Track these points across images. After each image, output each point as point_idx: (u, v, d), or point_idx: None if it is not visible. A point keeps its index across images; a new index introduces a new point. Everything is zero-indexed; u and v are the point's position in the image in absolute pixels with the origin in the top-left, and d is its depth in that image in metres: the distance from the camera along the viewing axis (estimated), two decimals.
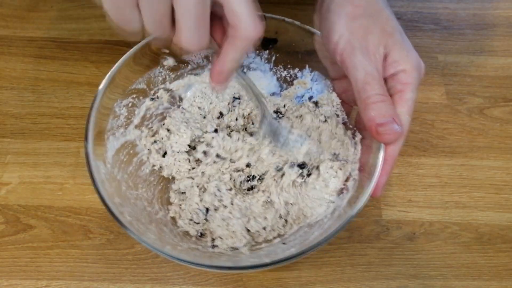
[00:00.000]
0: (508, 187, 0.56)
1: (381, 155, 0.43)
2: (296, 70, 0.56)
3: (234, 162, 0.51)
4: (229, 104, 0.55)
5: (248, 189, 0.51)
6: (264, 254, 0.47)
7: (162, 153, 0.52)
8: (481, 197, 0.55)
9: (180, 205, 0.50)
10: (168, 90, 0.54)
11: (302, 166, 0.50)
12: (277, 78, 0.57)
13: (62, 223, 0.52)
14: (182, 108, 0.55)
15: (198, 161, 0.52)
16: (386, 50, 0.43)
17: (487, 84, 0.64)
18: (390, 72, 0.43)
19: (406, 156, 0.58)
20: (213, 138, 0.51)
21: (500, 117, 0.61)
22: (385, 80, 0.44)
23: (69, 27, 0.67)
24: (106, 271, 0.50)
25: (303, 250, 0.41)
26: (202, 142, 0.52)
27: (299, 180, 0.49)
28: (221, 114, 0.55)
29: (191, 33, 0.35)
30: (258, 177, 0.51)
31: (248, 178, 0.51)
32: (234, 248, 0.47)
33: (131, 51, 0.49)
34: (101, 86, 0.46)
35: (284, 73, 0.57)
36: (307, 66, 0.55)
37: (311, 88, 0.55)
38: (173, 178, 0.52)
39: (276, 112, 0.53)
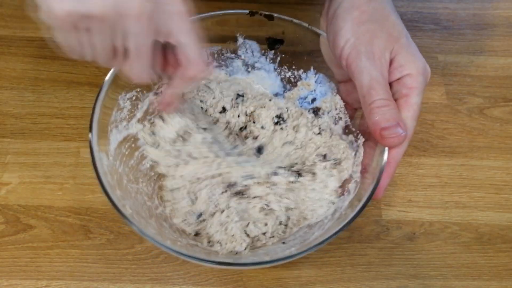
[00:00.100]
0: (508, 187, 0.56)
1: (385, 158, 0.43)
2: (301, 71, 0.56)
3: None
4: (232, 100, 0.55)
5: (237, 193, 0.50)
6: (263, 253, 0.47)
7: (155, 145, 0.51)
8: (481, 197, 0.55)
9: (174, 203, 0.50)
10: None
11: (279, 117, 0.52)
12: (281, 79, 0.57)
13: (62, 223, 0.52)
14: (183, 99, 0.54)
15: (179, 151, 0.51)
16: (392, 55, 0.44)
17: (487, 84, 0.64)
18: (396, 77, 0.44)
19: (406, 156, 0.58)
20: (198, 135, 0.51)
21: (500, 117, 0.61)
22: (391, 84, 0.44)
23: None
24: (106, 271, 0.50)
25: (302, 250, 0.41)
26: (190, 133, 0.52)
27: (292, 179, 0.49)
28: (224, 109, 0.55)
29: (135, 67, 0.39)
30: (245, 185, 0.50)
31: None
32: (235, 253, 0.46)
33: None
34: (107, 78, 0.46)
35: (289, 74, 0.57)
36: (312, 67, 0.55)
37: (314, 90, 0.55)
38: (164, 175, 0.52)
39: (279, 117, 0.53)
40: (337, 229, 0.41)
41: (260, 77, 0.57)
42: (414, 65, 0.43)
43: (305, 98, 0.56)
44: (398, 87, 0.44)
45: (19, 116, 0.59)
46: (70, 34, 0.36)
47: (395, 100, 0.43)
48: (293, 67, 0.56)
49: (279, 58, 0.56)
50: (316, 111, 0.53)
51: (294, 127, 0.53)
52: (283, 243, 0.47)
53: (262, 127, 0.53)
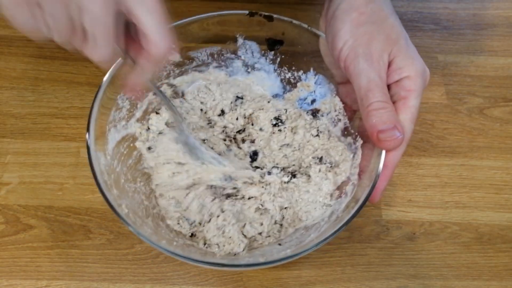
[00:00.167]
0: (508, 187, 0.56)
1: (381, 160, 0.43)
2: (301, 72, 0.56)
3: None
4: (231, 103, 0.55)
5: (228, 196, 0.50)
6: (259, 254, 0.47)
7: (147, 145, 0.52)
8: (481, 197, 0.55)
9: (164, 207, 0.50)
10: (171, 85, 0.54)
11: (277, 119, 0.52)
12: (281, 80, 0.57)
13: (62, 223, 0.52)
14: (183, 99, 0.55)
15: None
16: (390, 57, 0.43)
17: (487, 84, 0.64)
18: (394, 79, 0.44)
19: (406, 156, 0.58)
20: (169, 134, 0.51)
21: (500, 117, 0.61)
22: (390, 86, 0.44)
23: None
24: (106, 271, 0.50)
25: (297, 251, 0.41)
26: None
27: (286, 179, 0.49)
28: (223, 112, 0.55)
29: (95, 45, 0.36)
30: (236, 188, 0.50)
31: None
32: (234, 254, 0.46)
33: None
34: (105, 78, 0.46)
35: (288, 75, 0.57)
36: (311, 69, 0.55)
37: (314, 91, 0.55)
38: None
39: (277, 119, 0.53)
40: (331, 231, 0.41)
41: (260, 78, 0.57)
42: (413, 67, 0.43)
43: (305, 99, 0.55)
44: (396, 90, 0.44)
45: (19, 116, 0.59)
46: (20, 8, 0.34)
47: (393, 102, 0.43)
48: (293, 68, 0.56)
49: (279, 59, 0.56)
50: (315, 113, 0.53)
51: (292, 129, 0.53)
52: (279, 244, 0.47)
53: (261, 129, 0.53)
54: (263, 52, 0.56)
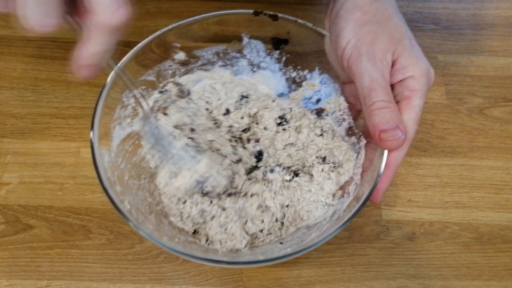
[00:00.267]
0: (508, 187, 0.56)
1: (383, 161, 0.43)
2: (306, 71, 0.56)
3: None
4: (236, 102, 0.55)
5: (229, 195, 0.50)
6: (260, 252, 0.47)
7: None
8: (481, 197, 0.55)
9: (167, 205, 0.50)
10: (177, 84, 0.54)
11: (282, 118, 0.52)
12: (286, 79, 0.57)
13: (62, 223, 0.52)
14: (189, 99, 0.55)
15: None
16: (394, 57, 0.43)
17: (487, 84, 0.64)
18: (398, 79, 0.43)
19: (406, 156, 0.57)
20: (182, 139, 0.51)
21: (500, 117, 0.61)
22: (393, 86, 0.44)
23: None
24: (106, 271, 0.50)
25: (297, 250, 0.41)
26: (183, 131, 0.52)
27: (288, 177, 0.49)
28: (228, 111, 0.55)
29: (32, 9, 0.29)
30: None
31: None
32: (236, 250, 0.47)
33: (141, 44, 0.50)
34: (108, 79, 0.46)
35: (294, 74, 0.57)
36: (317, 68, 0.55)
37: (319, 91, 0.55)
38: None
39: (282, 118, 0.53)
40: (331, 231, 0.41)
41: (266, 77, 0.57)
42: (417, 67, 0.43)
43: (310, 98, 0.56)
44: (400, 89, 0.43)
45: (19, 116, 0.59)
46: None
47: (397, 102, 0.43)
48: (298, 67, 0.56)
49: (284, 58, 0.56)
50: (319, 112, 0.53)
51: (296, 128, 0.53)
52: (281, 243, 0.47)
53: (265, 128, 0.53)
54: (268, 51, 0.56)
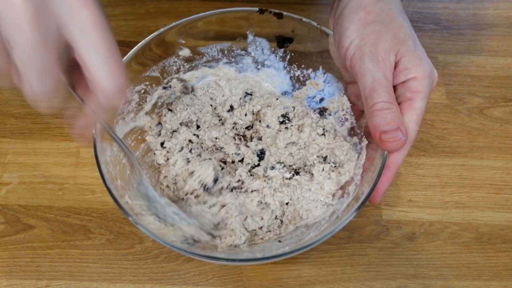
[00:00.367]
0: (508, 187, 0.56)
1: (383, 161, 0.43)
2: (310, 70, 0.56)
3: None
4: (240, 99, 0.55)
5: (232, 189, 0.50)
6: (258, 250, 0.47)
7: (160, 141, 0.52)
8: (481, 197, 0.55)
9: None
10: (181, 80, 0.55)
11: (285, 116, 0.52)
12: (290, 77, 0.57)
13: (62, 223, 0.52)
14: (193, 95, 0.55)
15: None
16: (397, 57, 0.43)
17: (487, 84, 0.64)
18: (401, 80, 0.43)
19: (406, 156, 0.58)
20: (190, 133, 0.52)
21: (500, 117, 0.61)
22: (396, 87, 0.43)
23: None
24: (106, 271, 0.50)
25: (295, 248, 0.41)
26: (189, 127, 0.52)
27: (288, 175, 0.50)
28: (232, 108, 0.55)
29: (32, 83, 0.30)
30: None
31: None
32: (234, 246, 0.47)
33: (147, 39, 0.50)
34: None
35: (298, 73, 0.57)
36: (320, 67, 0.55)
37: (323, 90, 0.55)
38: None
39: (284, 116, 0.53)
40: (329, 231, 0.41)
41: (270, 75, 0.57)
42: (420, 68, 0.43)
43: (314, 97, 0.56)
44: (402, 90, 0.43)
45: (19, 116, 0.59)
46: None
47: (399, 103, 0.43)
48: (302, 66, 0.56)
49: (288, 57, 0.57)
50: (322, 112, 0.53)
51: (298, 127, 0.53)
52: (279, 241, 0.47)
53: (268, 126, 0.53)
54: (273, 49, 0.56)
